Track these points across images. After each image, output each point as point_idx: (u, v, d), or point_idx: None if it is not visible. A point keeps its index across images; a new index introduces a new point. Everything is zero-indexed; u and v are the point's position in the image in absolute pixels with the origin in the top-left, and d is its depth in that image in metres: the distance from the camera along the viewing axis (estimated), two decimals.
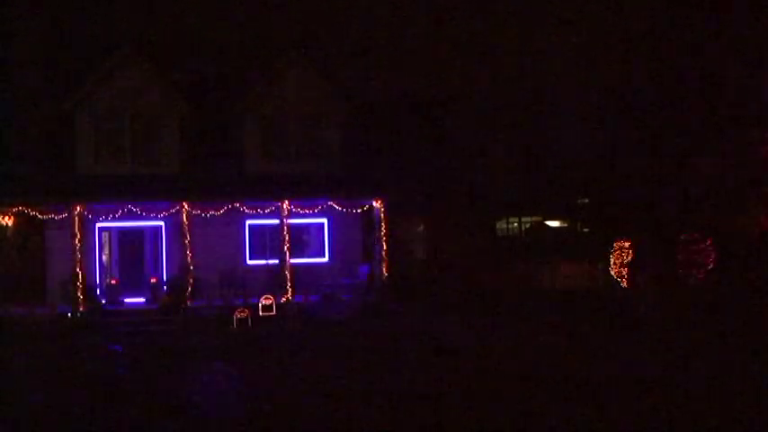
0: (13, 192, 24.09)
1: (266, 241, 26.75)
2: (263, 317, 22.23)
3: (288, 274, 24.80)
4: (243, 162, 26.75)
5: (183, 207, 24.39)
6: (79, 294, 23.50)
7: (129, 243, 26.36)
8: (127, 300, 24.87)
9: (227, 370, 14.65)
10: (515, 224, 35.01)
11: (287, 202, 25.08)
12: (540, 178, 31.96)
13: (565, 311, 21.89)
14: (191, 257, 24.30)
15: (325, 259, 27.20)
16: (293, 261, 25.07)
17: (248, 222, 26.22)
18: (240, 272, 25.76)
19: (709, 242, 26.03)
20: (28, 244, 26.33)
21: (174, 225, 24.90)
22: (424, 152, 31.15)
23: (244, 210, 25.00)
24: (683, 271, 25.49)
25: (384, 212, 25.78)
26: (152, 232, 26.33)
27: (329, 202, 25.59)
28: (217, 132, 27.17)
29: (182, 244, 24.39)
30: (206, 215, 24.70)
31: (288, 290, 24.71)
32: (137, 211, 24.15)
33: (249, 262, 26.41)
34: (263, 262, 26.29)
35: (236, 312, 20.96)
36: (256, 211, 25.17)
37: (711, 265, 26.19)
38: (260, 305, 22.46)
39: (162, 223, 25.49)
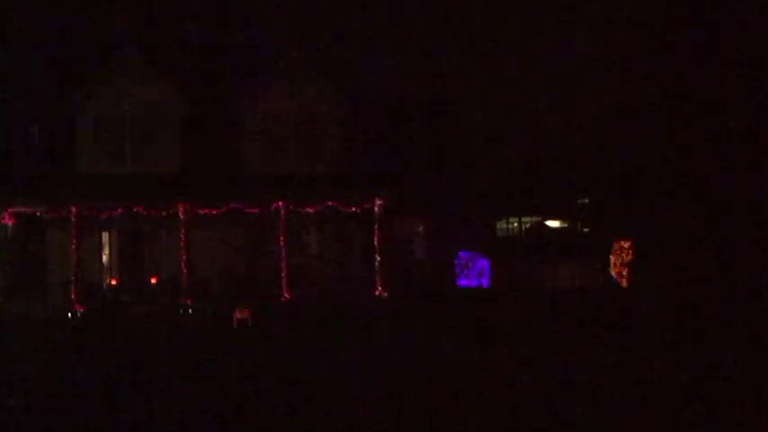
0: (14, 192, 24.10)
1: (266, 241, 26.72)
2: (262, 317, 22.20)
3: (287, 275, 24.79)
4: (243, 162, 26.74)
5: (183, 207, 24.38)
6: (80, 294, 23.51)
7: (129, 243, 26.36)
8: (127, 300, 24.88)
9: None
10: (515, 224, 35.03)
11: (287, 202, 25.06)
12: (540, 178, 31.97)
13: (565, 311, 21.88)
14: (191, 257, 24.29)
15: (325, 259, 27.19)
16: (293, 261, 25.04)
17: (248, 222, 26.19)
18: (240, 272, 25.75)
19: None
20: (28, 244, 26.35)
21: (174, 225, 24.88)
22: (425, 152, 31.15)
23: (243, 210, 24.98)
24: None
25: (384, 212, 25.77)
26: (152, 232, 26.32)
27: (329, 202, 25.57)
28: (217, 132, 27.16)
29: (182, 244, 24.38)
30: (206, 215, 24.69)
31: (288, 290, 24.70)
32: (137, 211, 24.13)
33: (249, 262, 26.38)
34: (262, 262, 26.27)
35: (236, 312, 20.96)
36: (256, 210, 25.15)
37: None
38: (260, 305, 22.44)
39: (162, 223, 25.46)
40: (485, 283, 28.80)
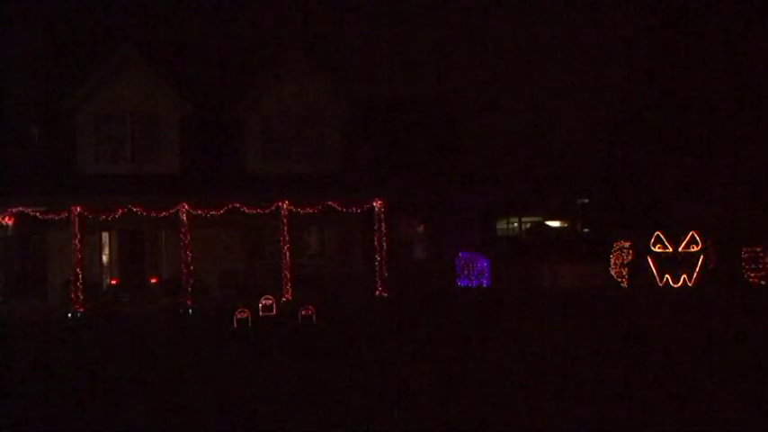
0: (14, 192, 24.11)
1: (266, 241, 26.76)
2: (263, 317, 22.22)
3: (288, 275, 24.83)
4: (243, 162, 26.76)
5: (183, 207, 24.39)
6: (80, 295, 23.53)
7: (129, 243, 26.37)
8: (127, 300, 24.90)
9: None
10: (515, 224, 35.04)
11: (287, 202, 25.09)
12: (541, 178, 32.00)
13: (565, 311, 21.88)
14: (190, 257, 24.31)
15: (325, 259, 27.21)
16: (293, 261, 25.07)
17: (248, 222, 26.19)
18: (240, 272, 25.77)
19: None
20: (28, 244, 26.36)
21: (173, 225, 24.89)
22: (425, 152, 31.17)
23: (244, 210, 25.00)
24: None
25: (384, 212, 25.79)
26: (152, 232, 26.33)
27: (329, 202, 25.59)
28: (217, 132, 27.19)
29: (182, 244, 24.40)
30: (206, 215, 24.71)
31: (288, 290, 24.73)
32: (137, 211, 24.15)
33: (249, 262, 26.41)
34: (263, 262, 26.30)
35: (236, 313, 20.95)
36: (256, 211, 25.16)
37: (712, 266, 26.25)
38: (260, 305, 22.46)
39: (162, 223, 25.47)
40: (485, 283, 28.81)
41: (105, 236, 26.20)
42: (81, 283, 23.59)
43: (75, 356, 16.88)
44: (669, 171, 30.16)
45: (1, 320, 22.32)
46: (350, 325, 20.62)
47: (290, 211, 25.13)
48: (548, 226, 35.82)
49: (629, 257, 26.75)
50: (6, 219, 25.08)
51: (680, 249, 26.36)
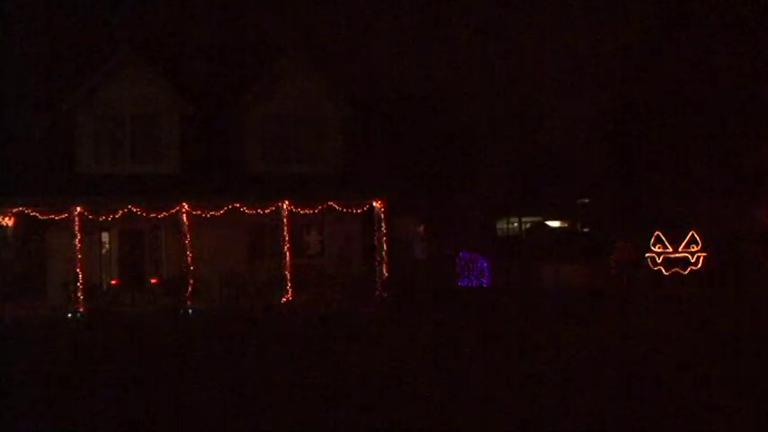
0: (14, 192, 24.09)
1: (266, 241, 26.75)
2: (263, 317, 22.24)
3: (288, 275, 24.82)
4: (243, 162, 26.74)
5: (183, 207, 24.38)
6: (80, 295, 23.52)
7: (129, 243, 26.35)
8: (127, 300, 24.88)
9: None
10: (515, 224, 35.03)
11: (287, 202, 25.08)
12: (540, 178, 32.00)
13: (565, 311, 21.87)
14: (191, 257, 24.30)
15: (325, 259, 27.19)
16: (293, 261, 25.06)
17: (248, 222, 26.16)
18: (240, 272, 25.74)
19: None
20: (28, 244, 26.35)
21: (173, 225, 24.88)
22: (425, 152, 31.17)
23: (244, 210, 24.99)
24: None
25: (384, 212, 25.79)
26: (152, 232, 26.32)
27: (329, 202, 25.59)
28: (217, 132, 27.17)
29: (182, 244, 24.39)
30: (206, 215, 24.69)
31: (288, 290, 24.73)
32: (137, 212, 24.14)
33: (249, 262, 26.37)
34: (263, 262, 26.28)
35: (237, 313, 20.99)
36: (256, 211, 25.15)
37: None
38: (260, 305, 22.49)
39: (162, 223, 25.45)
40: (485, 282, 28.82)
41: (105, 236, 26.17)
42: (81, 283, 23.58)
43: (75, 356, 16.88)
44: (669, 171, 30.15)
45: (1, 320, 22.30)
46: (350, 325, 20.62)
47: (290, 211, 25.12)
48: (548, 226, 35.83)
49: (630, 257, 26.75)
50: (6, 219, 25.07)
51: (680, 249, 26.36)
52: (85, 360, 16.30)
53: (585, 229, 34.67)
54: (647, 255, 26.54)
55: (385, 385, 12.75)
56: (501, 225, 34.79)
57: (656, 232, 26.57)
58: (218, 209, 24.79)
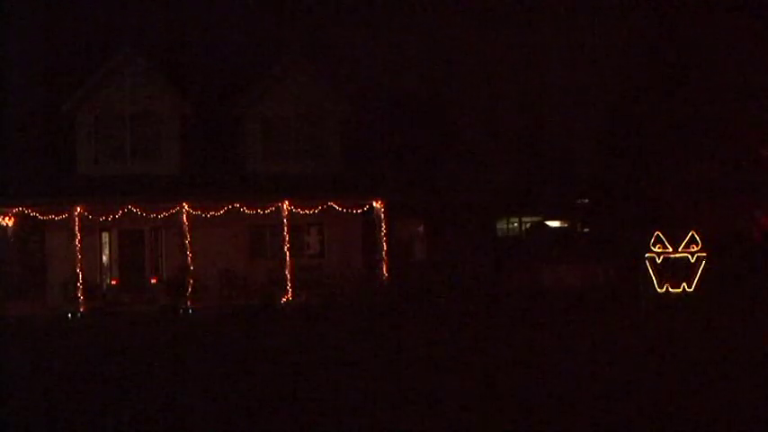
0: (14, 192, 24.11)
1: (266, 241, 26.76)
2: (263, 317, 22.24)
3: (288, 275, 24.82)
4: (243, 162, 26.75)
5: (183, 207, 24.40)
6: (80, 295, 23.52)
7: (129, 243, 26.36)
8: (127, 300, 24.89)
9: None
10: (515, 224, 35.00)
11: (287, 202, 25.09)
12: (540, 178, 31.97)
13: (565, 312, 21.88)
14: (191, 257, 24.31)
15: (325, 259, 27.19)
16: (293, 261, 25.06)
17: (248, 222, 26.17)
18: (240, 272, 25.75)
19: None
20: (28, 245, 26.35)
21: (174, 225, 24.89)
22: (425, 152, 31.15)
23: (244, 210, 25.00)
24: None
25: (384, 212, 25.79)
26: (152, 232, 26.32)
27: (329, 202, 25.59)
28: (217, 132, 27.18)
29: (182, 244, 24.40)
30: (206, 215, 24.70)
31: (288, 290, 24.73)
32: (137, 212, 24.14)
33: (249, 262, 26.37)
34: (263, 262, 26.28)
35: (237, 313, 21.00)
36: (256, 211, 25.16)
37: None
38: (260, 305, 22.48)
39: (162, 223, 25.46)
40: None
41: (105, 236, 26.18)
42: (81, 284, 23.60)
43: (75, 356, 16.87)
44: (669, 171, 30.14)
45: (1, 320, 22.29)
46: (350, 325, 20.62)
47: (290, 211, 25.13)
48: (548, 226, 35.79)
49: (629, 257, 26.71)
50: (6, 219, 25.07)
51: (680, 249, 26.34)
52: (85, 360, 16.29)
53: (585, 229, 34.64)
54: (647, 255, 26.51)
55: (384, 385, 12.75)
56: (501, 225, 34.75)
57: (657, 232, 26.55)
58: (218, 209, 24.81)
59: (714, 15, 30.21)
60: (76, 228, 23.66)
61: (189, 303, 23.88)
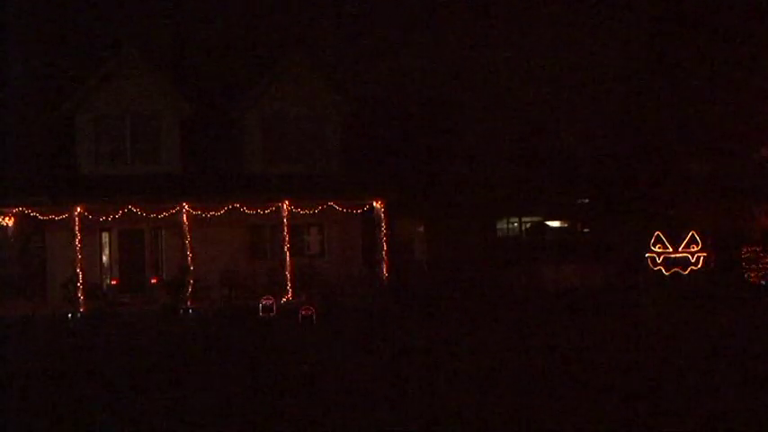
0: (14, 192, 24.10)
1: (266, 241, 26.76)
2: (263, 317, 22.24)
3: (288, 275, 24.82)
4: (243, 162, 26.75)
5: (183, 207, 24.40)
6: (80, 295, 23.52)
7: (129, 243, 26.36)
8: (127, 300, 24.89)
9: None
10: (515, 224, 34.98)
11: (287, 202, 25.09)
12: (541, 178, 31.95)
13: (565, 312, 21.88)
14: (191, 258, 24.31)
15: (325, 259, 27.19)
16: (293, 261, 25.06)
17: (248, 222, 26.16)
18: (240, 272, 25.74)
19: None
20: (29, 245, 26.34)
21: (174, 225, 24.89)
22: (424, 152, 31.14)
23: (244, 210, 25.00)
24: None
25: (384, 212, 25.79)
26: (152, 232, 26.32)
27: (329, 203, 25.60)
28: (217, 132, 27.17)
29: (182, 244, 24.40)
30: (206, 215, 24.70)
31: (288, 290, 24.73)
32: (137, 211, 24.14)
33: (249, 262, 26.36)
34: (263, 262, 26.29)
35: (236, 313, 20.99)
36: (256, 211, 25.16)
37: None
38: (260, 305, 22.46)
39: (162, 223, 25.46)
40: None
41: (105, 236, 26.18)
42: (81, 284, 23.59)
43: (75, 357, 16.87)
44: (670, 171, 30.14)
45: (1, 320, 22.29)
46: (350, 325, 20.62)
47: (290, 211, 25.13)
48: (548, 226, 35.77)
49: (630, 257, 26.73)
50: (6, 219, 25.07)
51: (680, 249, 26.35)
52: (85, 360, 16.29)
53: (585, 229, 34.63)
54: (647, 255, 26.52)
55: (383, 386, 12.75)
56: (501, 225, 34.72)
57: (656, 232, 26.56)
58: (218, 209, 24.81)
59: (714, 15, 30.21)
60: (76, 228, 23.65)
61: (189, 303, 23.88)
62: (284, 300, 24.40)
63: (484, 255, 29.70)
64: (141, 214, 24.27)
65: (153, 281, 25.45)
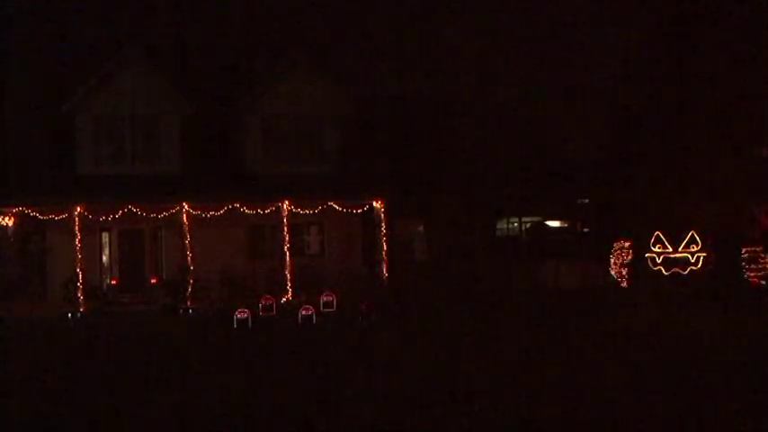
0: (14, 192, 24.11)
1: (266, 241, 26.76)
2: (263, 317, 22.22)
3: (288, 275, 24.82)
4: (243, 162, 26.75)
5: (183, 207, 24.40)
6: (80, 295, 23.53)
7: (128, 243, 26.37)
8: (127, 300, 24.89)
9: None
10: (515, 224, 34.98)
11: (287, 202, 25.10)
12: (540, 178, 31.96)
13: (565, 311, 21.88)
14: (190, 258, 24.31)
15: (325, 259, 27.19)
16: (293, 261, 25.06)
17: (248, 222, 26.17)
18: (240, 272, 25.73)
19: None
20: (29, 245, 26.35)
21: (173, 225, 24.89)
22: (424, 152, 31.14)
23: (244, 210, 25.00)
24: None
25: (384, 212, 25.79)
26: (152, 232, 26.32)
27: (329, 202, 25.60)
28: (217, 132, 27.18)
29: (181, 244, 24.40)
30: (206, 215, 24.70)
31: (288, 290, 24.73)
32: (137, 211, 24.15)
33: (249, 262, 26.36)
34: (262, 262, 26.28)
35: (237, 313, 20.96)
36: (256, 211, 25.17)
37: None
38: (260, 305, 22.45)
39: (162, 223, 25.46)
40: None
41: (105, 236, 26.18)
42: (81, 284, 23.60)
43: (75, 357, 16.88)
44: (670, 171, 30.13)
45: (1, 320, 22.30)
46: (350, 325, 20.61)
47: (289, 210, 25.13)
48: (548, 226, 35.78)
49: (629, 257, 26.72)
50: (6, 219, 25.07)
51: (680, 249, 26.34)
52: (85, 360, 16.30)
53: (585, 229, 34.64)
54: (647, 255, 26.51)
55: (383, 385, 12.75)
56: (501, 225, 34.74)
57: (656, 232, 26.54)
58: (218, 209, 24.82)
59: (714, 15, 30.20)
60: (76, 228, 23.65)
61: (189, 303, 23.89)
62: (284, 300, 24.39)
63: (484, 255, 29.70)
64: (141, 214, 24.28)
65: (153, 281, 25.46)
